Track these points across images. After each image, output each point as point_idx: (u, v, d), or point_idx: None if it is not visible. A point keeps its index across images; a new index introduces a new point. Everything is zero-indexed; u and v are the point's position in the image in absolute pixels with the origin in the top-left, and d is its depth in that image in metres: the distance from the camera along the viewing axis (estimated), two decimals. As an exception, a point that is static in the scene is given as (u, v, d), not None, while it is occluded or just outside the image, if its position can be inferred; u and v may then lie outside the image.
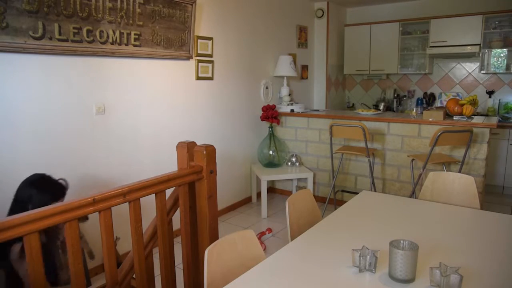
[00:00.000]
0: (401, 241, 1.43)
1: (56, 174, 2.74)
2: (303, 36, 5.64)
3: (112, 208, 1.69)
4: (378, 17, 6.08)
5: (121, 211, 2.31)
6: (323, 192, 4.73)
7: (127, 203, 1.76)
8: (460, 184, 2.39)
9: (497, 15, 5.05)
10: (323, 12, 5.85)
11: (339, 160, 4.28)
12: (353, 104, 6.67)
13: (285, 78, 5.09)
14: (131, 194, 1.74)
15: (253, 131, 4.77)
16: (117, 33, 2.95)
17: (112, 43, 2.94)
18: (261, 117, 4.57)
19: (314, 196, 2.28)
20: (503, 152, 4.87)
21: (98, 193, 1.62)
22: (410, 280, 1.38)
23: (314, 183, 4.60)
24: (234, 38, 4.33)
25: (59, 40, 2.60)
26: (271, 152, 4.61)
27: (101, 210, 1.63)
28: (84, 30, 2.73)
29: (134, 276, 1.98)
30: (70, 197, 1.60)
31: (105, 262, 1.71)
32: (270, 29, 4.93)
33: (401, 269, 1.37)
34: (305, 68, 5.80)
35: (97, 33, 2.82)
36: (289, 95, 5.14)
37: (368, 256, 1.46)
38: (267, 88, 4.94)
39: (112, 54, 2.99)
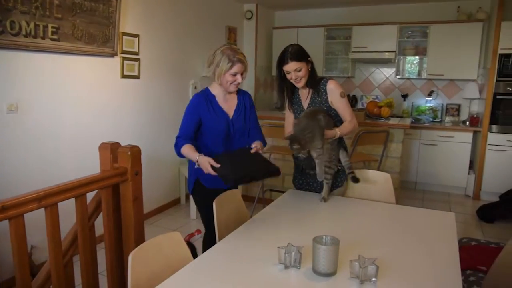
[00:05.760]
0: (324, 237, 1.50)
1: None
2: (232, 37, 5.67)
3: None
4: (305, 22, 6.29)
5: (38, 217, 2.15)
6: (252, 192, 4.79)
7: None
8: (379, 180, 2.57)
9: (410, 25, 5.51)
10: (252, 14, 5.93)
11: (268, 160, 4.34)
12: (281, 105, 6.81)
13: (214, 78, 5.07)
14: (48, 199, 1.62)
15: (182, 131, 4.68)
16: (32, 25, 2.73)
17: (25, 36, 2.71)
18: (190, 117, 4.51)
19: (244, 196, 2.30)
20: (415, 151, 5.31)
21: (9, 198, 1.48)
22: (332, 273, 1.45)
23: (243, 182, 4.62)
24: (162, 36, 4.22)
25: (-39, 30, 2.34)
26: (200, 152, 4.55)
27: (11, 218, 1.49)
28: (-8, 20, 2.49)
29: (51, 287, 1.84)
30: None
31: (16, 274, 1.57)
32: (199, 29, 4.89)
33: (324, 263, 1.43)
34: (234, 68, 5.81)
35: (7, 24, 2.58)
36: (219, 95, 5.13)
37: (293, 253, 1.50)
38: (195, 88, 4.88)
39: (26, 48, 2.75)
